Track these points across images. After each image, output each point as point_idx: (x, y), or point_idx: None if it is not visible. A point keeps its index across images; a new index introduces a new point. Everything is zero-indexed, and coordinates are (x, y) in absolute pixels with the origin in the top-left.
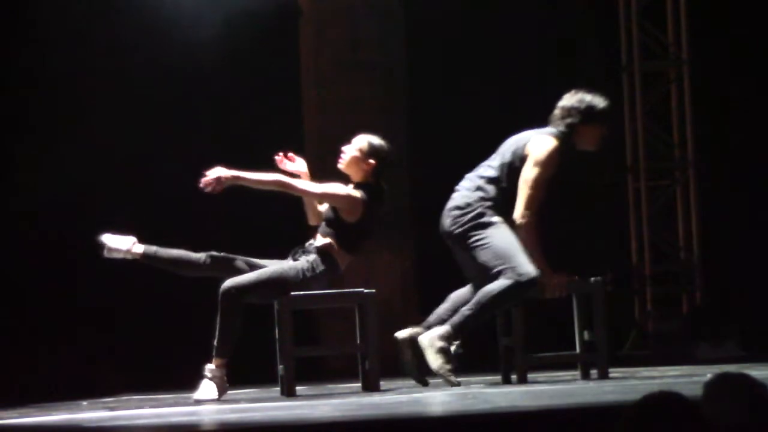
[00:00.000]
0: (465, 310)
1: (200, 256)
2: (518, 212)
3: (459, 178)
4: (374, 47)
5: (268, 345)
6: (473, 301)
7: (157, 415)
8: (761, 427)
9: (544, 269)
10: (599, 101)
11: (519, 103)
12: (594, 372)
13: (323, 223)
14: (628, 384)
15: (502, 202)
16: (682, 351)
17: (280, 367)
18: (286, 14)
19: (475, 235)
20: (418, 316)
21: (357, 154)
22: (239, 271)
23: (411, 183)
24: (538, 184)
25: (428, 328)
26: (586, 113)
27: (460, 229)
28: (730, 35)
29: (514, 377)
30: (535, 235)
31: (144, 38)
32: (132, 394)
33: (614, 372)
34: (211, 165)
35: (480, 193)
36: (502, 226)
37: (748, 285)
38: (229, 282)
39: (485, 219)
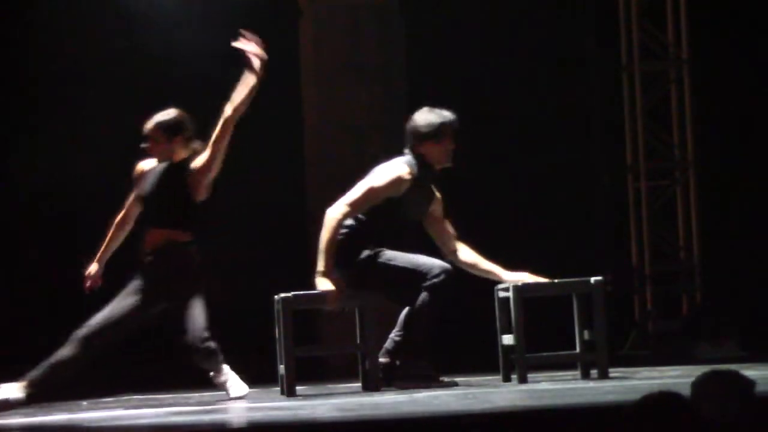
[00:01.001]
0: (413, 336)
1: (83, 346)
2: (337, 203)
3: (458, 177)
4: (374, 47)
5: (268, 345)
6: (400, 323)
7: (157, 415)
8: (750, 424)
9: (326, 272)
10: (445, 115)
11: (519, 103)
12: (594, 372)
13: (153, 220)
14: (628, 384)
15: (367, 232)
16: (682, 351)
17: (280, 367)
18: (286, 14)
19: (364, 275)
20: None
21: (157, 140)
22: (131, 322)
23: None
24: (369, 189)
25: (386, 353)
26: (435, 132)
27: (341, 273)
28: (730, 35)
29: (514, 377)
30: (334, 235)
31: (144, 38)
32: (132, 394)
33: (614, 372)
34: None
35: (343, 230)
36: (384, 253)
37: (748, 285)
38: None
39: (364, 255)
